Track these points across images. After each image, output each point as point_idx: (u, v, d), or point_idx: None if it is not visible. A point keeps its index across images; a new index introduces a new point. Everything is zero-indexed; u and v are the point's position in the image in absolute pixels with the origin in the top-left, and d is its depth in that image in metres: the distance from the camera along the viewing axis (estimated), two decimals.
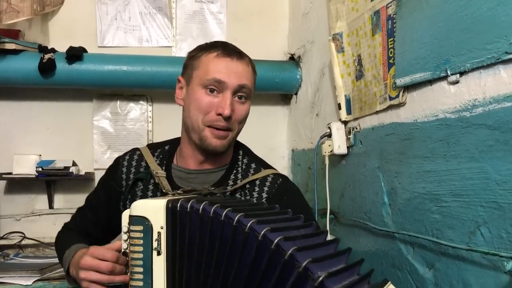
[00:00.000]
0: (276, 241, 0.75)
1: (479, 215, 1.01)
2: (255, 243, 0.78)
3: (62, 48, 2.04)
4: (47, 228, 2.13)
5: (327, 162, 1.71)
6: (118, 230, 1.21)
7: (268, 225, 0.80)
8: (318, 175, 1.81)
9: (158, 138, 2.23)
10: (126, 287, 1.01)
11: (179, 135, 1.32)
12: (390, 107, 1.37)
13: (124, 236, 1.00)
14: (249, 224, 0.80)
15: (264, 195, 1.21)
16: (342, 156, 1.69)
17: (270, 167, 1.28)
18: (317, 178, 1.80)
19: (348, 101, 1.64)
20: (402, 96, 1.30)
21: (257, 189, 1.21)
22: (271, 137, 2.41)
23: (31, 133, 2.17)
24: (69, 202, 2.18)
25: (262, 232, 0.77)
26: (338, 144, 1.65)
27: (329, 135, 1.68)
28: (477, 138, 1.02)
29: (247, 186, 1.22)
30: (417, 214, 1.23)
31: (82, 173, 2.06)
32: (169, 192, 1.14)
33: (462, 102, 1.06)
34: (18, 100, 2.16)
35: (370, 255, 1.45)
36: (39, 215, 2.15)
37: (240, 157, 1.28)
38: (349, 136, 1.63)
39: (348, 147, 1.65)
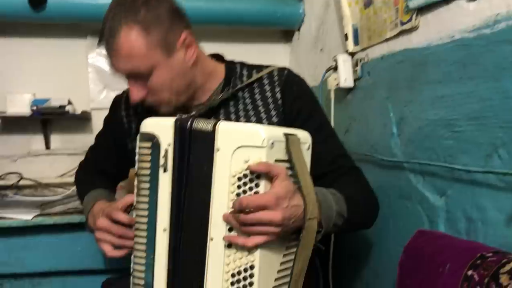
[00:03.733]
0: None
1: (497, 136, 0.97)
2: None
3: None
4: (44, 169, 2.09)
5: (332, 96, 1.66)
6: (131, 165, 1.23)
7: None
8: None
9: None
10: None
11: None
12: (402, 33, 1.30)
13: (137, 164, 1.01)
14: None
15: (277, 88, 1.20)
16: (348, 91, 1.64)
17: (271, 66, 1.27)
18: None
19: (355, 31, 1.56)
20: (415, 19, 1.23)
21: (266, 85, 1.21)
22: None
23: (24, 71, 2.09)
24: (66, 143, 2.13)
25: None
26: (345, 77, 1.59)
27: (335, 68, 1.62)
28: (498, 56, 0.96)
29: (255, 86, 1.21)
30: (429, 142, 1.19)
31: (78, 112, 2.00)
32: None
33: (483, 19, 1.00)
34: (9, 36, 2.07)
35: (377, 189, 1.41)
36: (36, 155, 2.10)
37: (237, 70, 1.26)
38: (356, 68, 1.57)
39: (354, 80, 1.59)
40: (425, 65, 1.20)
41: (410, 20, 1.24)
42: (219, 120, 0.93)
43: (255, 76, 1.22)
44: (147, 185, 0.97)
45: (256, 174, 0.88)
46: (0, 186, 1.99)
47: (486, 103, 1.00)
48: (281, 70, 1.24)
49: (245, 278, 0.89)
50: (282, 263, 0.97)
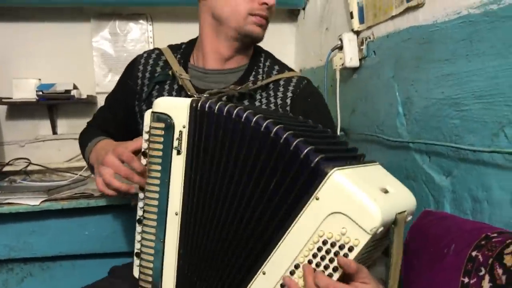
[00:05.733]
0: (275, 129, 0.81)
1: (503, 115, 0.95)
2: (259, 135, 0.82)
3: None
4: (52, 154, 2.11)
5: (338, 76, 1.64)
6: (136, 131, 1.20)
7: (278, 124, 0.82)
8: (328, 93, 1.73)
9: None
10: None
11: None
12: (407, 10, 1.27)
13: (145, 136, 0.98)
14: (254, 119, 0.83)
15: (289, 94, 1.19)
16: (354, 70, 1.62)
17: (294, 71, 1.26)
18: (327, 95, 1.73)
19: (361, 9, 1.53)
20: None
21: (281, 89, 1.19)
22: (278, 57, 2.30)
23: (28, 56, 2.08)
24: (73, 128, 2.13)
25: (265, 124, 0.82)
26: (350, 56, 1.57)
27: (340, 48, 1.60)
28: (504, 32, 0.94)
29: (271, 86, 1.20)
30: (435, 122, 1.17)
31: (84, 96, 2.00)
32: (195, 95, 1.14)
33: None
34: (13, 21, 2.06)
35: None
36: (43, 141, 2.11)
37: (262, 59, 1.26)
38: (361, 47, 1.54)
39: (360, 59, 1.57)
40: (431, 42, 1.18)
41: None
42: (330, 163, 0.77)
43: (274, 77, 1.21)
44: (158, 167, 0.95)
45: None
46: (9, 172, 2.00)
47: (493, 81, 0.97)
48: (301, 78, 1.23)
49: None
50: None
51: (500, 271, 0.79)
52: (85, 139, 1.30)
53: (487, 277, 0.81)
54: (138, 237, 1.01)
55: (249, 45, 1.22)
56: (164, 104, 0.95)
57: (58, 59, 2.10)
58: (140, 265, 1.00)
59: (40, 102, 1.95)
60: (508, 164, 0.94)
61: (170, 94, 1.21)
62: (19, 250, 1.50)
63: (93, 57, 2.14)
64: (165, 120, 0.94)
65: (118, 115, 1.32)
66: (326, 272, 0.77)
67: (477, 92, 1.02)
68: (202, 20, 1.22)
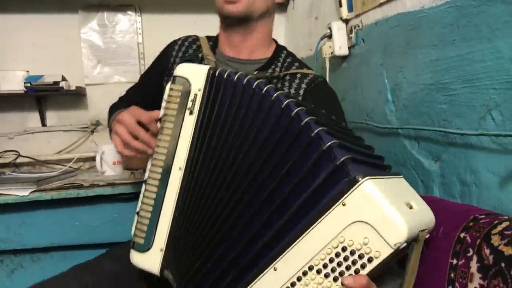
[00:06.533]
0: (296, 110, 0.79)
1: (490, 98, 0.96)
2: (278, 111, 0.82)
3: None
4: (41, 146, 2.10)
5: (327, 65, 1.64)
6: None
7: (299, 106, 0.82)
8: None
9: (149, 51, 2.16)
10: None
11: None
12: None
13: (163, 104, 1.03)
14: (275, 95, 0.83)
15: (303, 86, 1.22)
16: (343, 59, 1.62)
17: (313, 70, 1.29)
18: None
19: None
20: None
21: (296, 81, 1.23)
22: None
23: (16, 48, 2.06)
24: (62, 120, 2.12)
25: (286, 102, 0.81)
26: (339, 44, 1.57)
27: (330, 36, 1.60)
28: (490, 16, 0.94)
29: (287, 78, 1.23)
30: (423, 107, 1.18)
31: (73, 88, 1.98)
32: None
33: None
34: (0, 13, 2.04)
35: None
36: (32, 133, 2.10)
37: (283, 55, 1.30)
38: (350, 35, 1.54)
39: (349, 48, 1.57)
40: (418, 28, 1.18)
41: None
42: (360, 173, 0.73)
43: (291, 71, 1.24)
44: (170, 125, 0.98)
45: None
46: None
47: (480, 64, 0.98)
48: (317, 76, 1.26)
49: None
50: None
51: (487, 251, 0.80)
52: (113, 111, 1.34)
53: (475, 258, 0.82)
54: (141, 196, 1.03)
55: (241, 25, 1.22)
56: (184, 68, 1.01)
57: (46, 50, 2.09)
58: (139, 217, 1.01)
59: (28, 93, 1.94)
60: (495, 146, 0.95)
61: None
62: (9, 242, 1.50)
63: (82, 48, 2.13)
64: (183, 83, 0.99)
65: (148, 90, 1.36)
66: (339, 280, 0.75)
67: (464, 76, 1.03)
68: None
